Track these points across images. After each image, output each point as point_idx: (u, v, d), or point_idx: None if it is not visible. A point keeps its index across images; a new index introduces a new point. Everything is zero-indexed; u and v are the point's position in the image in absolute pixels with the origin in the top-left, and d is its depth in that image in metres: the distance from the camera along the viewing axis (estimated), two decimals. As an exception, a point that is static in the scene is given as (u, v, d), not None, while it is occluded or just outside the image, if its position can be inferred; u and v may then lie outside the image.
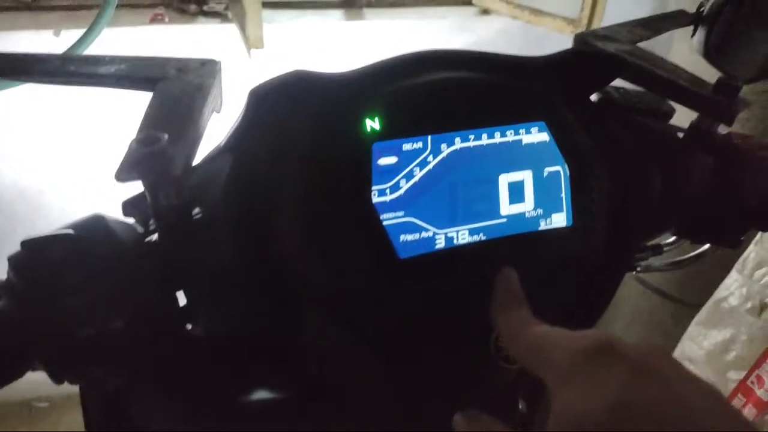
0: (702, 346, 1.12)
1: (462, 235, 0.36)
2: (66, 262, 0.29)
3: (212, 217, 0.34)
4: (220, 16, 1.48)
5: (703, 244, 0.54)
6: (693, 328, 1.17)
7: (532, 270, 0.37)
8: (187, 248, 0.33)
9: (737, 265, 1.12)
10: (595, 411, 0.24)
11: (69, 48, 0.99)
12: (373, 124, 0.34)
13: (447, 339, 0.37)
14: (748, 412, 1.03)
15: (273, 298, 0.34)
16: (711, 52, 0.51)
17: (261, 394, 0.40)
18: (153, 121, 0.33)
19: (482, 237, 0.36)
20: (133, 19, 1.43)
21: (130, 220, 0.35)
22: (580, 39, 0.45)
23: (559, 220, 0.38)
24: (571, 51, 0.42)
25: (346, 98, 0.35)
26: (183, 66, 0.37)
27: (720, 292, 1.12)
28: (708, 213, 0.47)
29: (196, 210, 0.34)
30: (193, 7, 1.48)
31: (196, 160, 0.35)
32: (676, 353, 1.20)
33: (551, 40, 1.49)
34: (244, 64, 1.29)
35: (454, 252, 0.35)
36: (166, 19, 1.44)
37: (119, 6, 1.09)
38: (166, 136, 0.30)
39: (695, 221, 0.48)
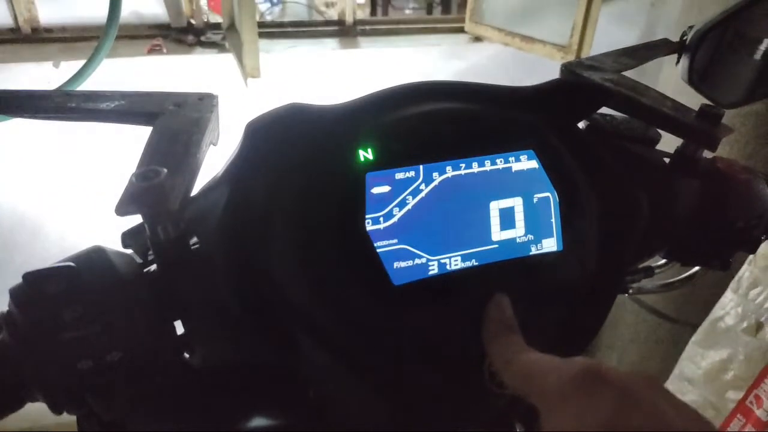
0: (700, 366, 1.12)
1: (455, 262, 0.36)
2: (65, 295, 0.30)
3: (209, 248, 0.34)
4: (217, 46, 1.51)
5: (693, 266, 0.55)
6: (690, 348, 1.16)
7: (524, 294, 0.37)
8: (184, 280, 0.34)
9: (732, 285, 1.12)
10: None
11: (69, 79, 1.01)
12: (366, 154, 0.35)
13: (441, 364, 0.37)
14: (748, 432, 1.02)
15: (268, 329, 0.35)
16: (694, 79, 0.52)
17: (260, 420, 0.40)
18: (152, 155, 0.33)
19: (474, 263, 0.37)
20: (132, 50, 1.44)
21: (129, 251, 0.36)
22: (566, 69, 0.46)
23: (550, 245, 0.39)
24: (558, 81, 0.44)
25: (340, 130, 0.36)
26: (181, 101, 0.38)
27: (716, 311, 1.12)
28: (696, 236, 0.48)
29: (194, 240, 0.34)
30: (190, 38, 1.50)
31: (194, 192, 0.36)
32: (675, 373, 1.19)
33: (542, 66, 1.51)
34: (241, 93, 1.30)
35: (447, 278, 0.36)
36: (164, 50, 1.46)
37: (118, 37, 1.11)
38: (165, 171, 0.31)
39: (683, 244, 0.48)
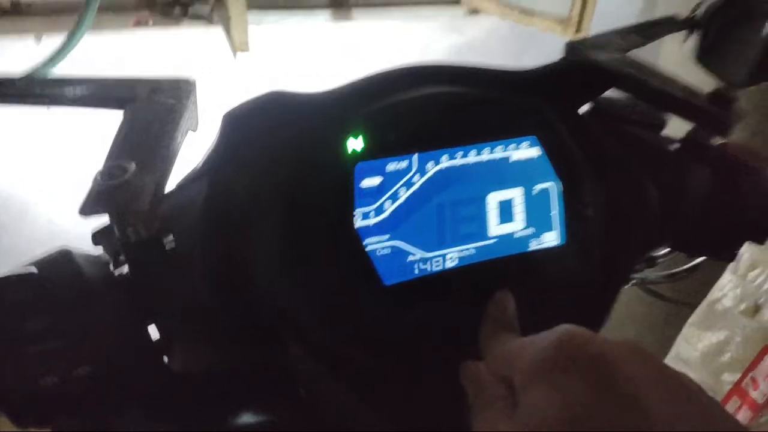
0: (696, 348, 1.12)
1: (450, 258, 0.35)
2: (27, 305, 0.27)
3: (186, 247, 0.32)
4: (204, 19, 1.46)
5: (700, 257, 0.53)
6: (687, 330, 1.16)
7: (524, 292, 0.36)
8: (158, 282, 0.31)
9: (731, 266, 1.11)
10: (554, 424, 0.23)
11: (50, 55, 0.97)
12: (355, 144, 0.33)
13: (434, 366, 0.35)
14: (743, 414, 1.03)
15: (250, 330, 0.33)
16: (705, 57, 0.50)
17: (249, 418, 0.39)
18: (121, 147, 0.31)
19: (471, 259, 0.35)
20: (117, 24, 1.40)
21: (99, 250, 0.34)
22: (571, 48, 0.44)
23: (551, 238, 0.38)
24: (562, 61, 0.41)
25: (326, 118, 0.34)
26: (155, 86, 0.36)
27: (714, 293, 1.12)
28: (705, 226, 0.46)
29: (170, 238, 0.32)
30: (177, 11, 1.46)
31: (171, 185, 0.33)
32: (671, 355, 1.19)
33: (541, 39, 1.48)
34: (230, 67, 1.27)
35: (441, 276, 0.34)
36: (150, 23, 1.42)
37: (102, 10, 1.07)
38: (133, 167, 0.28)
39: (691, 235, 0.47)
